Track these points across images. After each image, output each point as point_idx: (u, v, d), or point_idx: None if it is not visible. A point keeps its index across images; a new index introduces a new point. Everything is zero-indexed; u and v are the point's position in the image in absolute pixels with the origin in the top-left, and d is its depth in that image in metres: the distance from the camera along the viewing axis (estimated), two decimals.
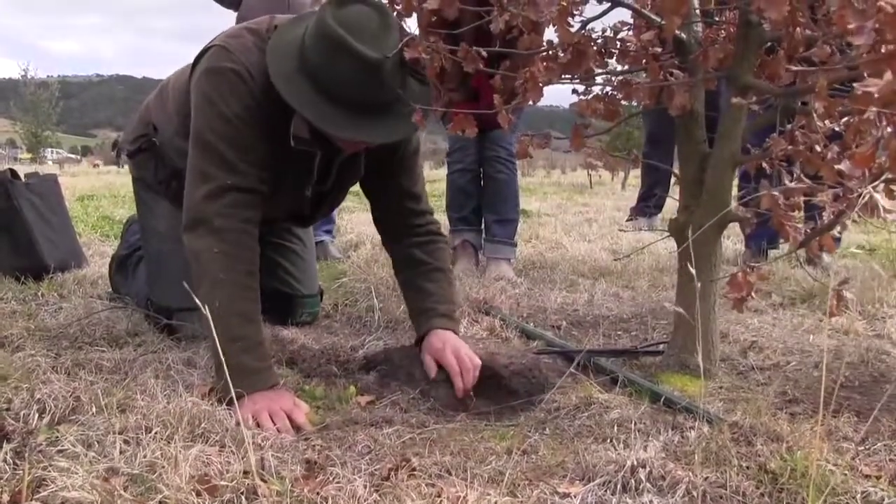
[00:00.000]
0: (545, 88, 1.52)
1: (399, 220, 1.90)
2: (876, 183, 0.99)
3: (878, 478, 1.17)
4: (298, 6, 3.12)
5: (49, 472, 1.09)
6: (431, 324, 1.75)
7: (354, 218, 5.04)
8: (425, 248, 1.87)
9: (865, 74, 0.90)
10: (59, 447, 1.19)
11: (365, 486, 1.10)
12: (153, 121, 2.01)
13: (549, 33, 1.53)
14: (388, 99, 1.56)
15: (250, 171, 1.61)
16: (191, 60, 1.78)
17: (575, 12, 1.44)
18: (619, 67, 1.64)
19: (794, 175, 1.39)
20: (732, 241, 3.99)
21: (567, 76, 1.53)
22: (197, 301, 1.21)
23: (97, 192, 7.35)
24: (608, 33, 1.59)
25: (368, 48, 1.48)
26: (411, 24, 1.55)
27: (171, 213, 1.97)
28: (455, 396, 1.63)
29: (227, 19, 4.16)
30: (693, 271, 1.23)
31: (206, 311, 1.16)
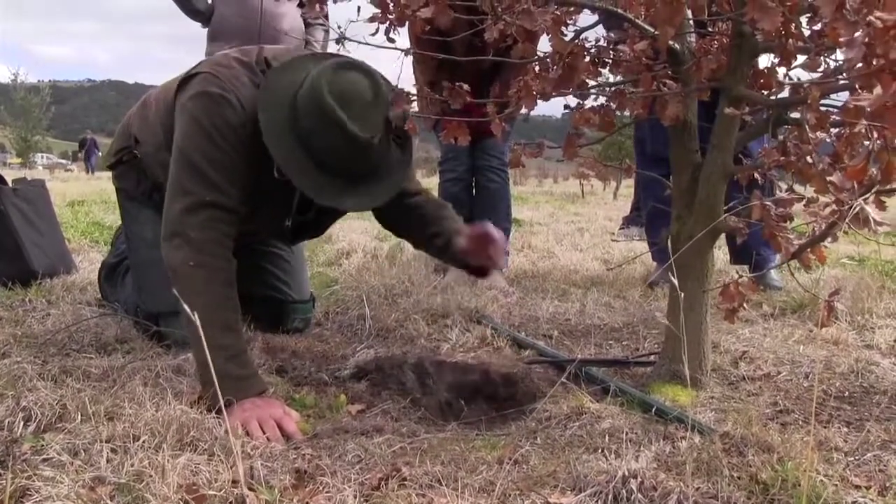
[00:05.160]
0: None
1: (410, 215, 1.99)
2: (867, 195, 0.99)
3: (867, 488, 1.17)
4: (270, 20, 3.15)
5: (33, 481, 1.08)
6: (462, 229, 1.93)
7: (346, 226, 5.03)
8: (431, 204, 2.04)
9: (858, 87, 0.91)
10: (44, 456, 1.18)
11: (355, 496, 1.09)
12: (135, 134, 2.01)
13: (543, 43, 1.54)
14: (374, 168, 1.65)
15: (231, 191, 1.63)
16: (183, 67, 1.80)
17: (569, 22, 1.44)
18: (613, 78, 1.65)
19: (787, 186, 1.40)
20: (723, 251, 4.00)
21: (560, 90, 1.53)
22: (184, 306, 1.19)
23: (87, 198, 7.30)
24: (601, 43, 1.59)
25: (360, 126, 1.53)
26: (402, 32, 1.55)
27: (155, 220, 1.96)
28: (444, 404, 1.64)
29: None
30: (675, 282, 1.23)
31: (195, 319, 1.14)
